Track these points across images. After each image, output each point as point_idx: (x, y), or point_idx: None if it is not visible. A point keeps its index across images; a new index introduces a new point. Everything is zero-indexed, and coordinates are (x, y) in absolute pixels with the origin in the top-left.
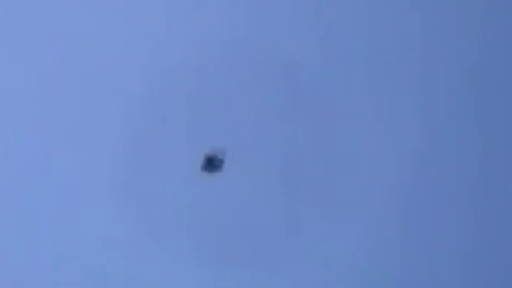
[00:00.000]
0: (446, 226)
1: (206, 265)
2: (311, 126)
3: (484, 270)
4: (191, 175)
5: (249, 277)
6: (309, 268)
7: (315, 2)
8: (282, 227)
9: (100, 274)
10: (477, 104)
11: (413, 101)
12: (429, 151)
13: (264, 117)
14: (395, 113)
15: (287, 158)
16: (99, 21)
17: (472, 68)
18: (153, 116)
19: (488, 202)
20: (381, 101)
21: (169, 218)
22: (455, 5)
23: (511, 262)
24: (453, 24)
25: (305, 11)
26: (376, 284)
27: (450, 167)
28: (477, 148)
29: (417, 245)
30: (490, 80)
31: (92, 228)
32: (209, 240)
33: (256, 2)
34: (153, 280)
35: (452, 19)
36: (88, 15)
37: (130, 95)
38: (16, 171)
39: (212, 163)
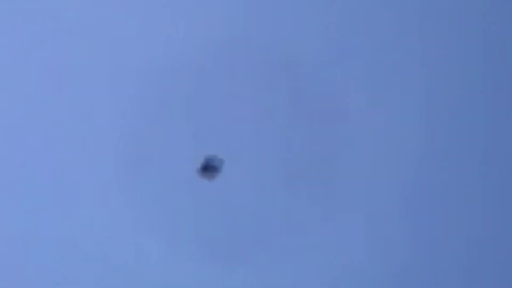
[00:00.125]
0: (447, 226)
1: (207, 262)
2: (311, 125)
3: (484, 269)
4: (192, 174)
5: (249, 275)
6: (309, 266)
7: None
8: (282, 225)
9: (101, 272)
10: (481, 102)
11: (414, 101)
12: (430, 150)
13: (264, 117)
14: (397, 113)
15: (287, 156)
16: (98, 19)
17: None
18: (153, 115)
19: (489, 202)
20: (382, 101)
21: (169, 216)
22: (457, 2)
23: (511, 262)
24: (453, 22)
25: (305, 10)
26: (376, 283)
27: (451, 166)
28: (478, 146)
29: (418, 244)
30: (492, 80)
31: (92, 226)
32: (211, 238)
33: (256, 2)
34: (155, 277)
35: (452, 18)
36: (88, 15)
37: (129, 95)
38: (14, 172)
39: (209, 167)
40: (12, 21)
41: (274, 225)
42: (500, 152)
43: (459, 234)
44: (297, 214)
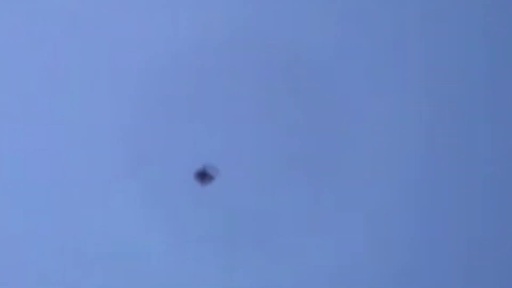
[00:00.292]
0: (447, 226)
1: (208, 260)
2: (311, 125)
3: (484, 269)
4: (192, 173)
5: (249, 276)
6: (309, 266)
7: (316, 1)
8: (282, 224)
9: (106, 263)
10: (483, 102)
11: (415, 101)
12: (431, 149)
13: (264, 117)
14: (398, 113)
15: (288, 156)
16: (98, 19)
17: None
18: (153, 115)
19: (489, 202)
20: (383, 101)
21: (170, 215)
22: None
23: (511, 262)
24: (453, 22)
25: (306, 10)
26: (376, 282)
27: (451, 166)
28: (479, 146)
29: (418, 244)
30: (493, 80)
31: (91, 226)
32: (211, 236)
33: (256, 2)
34: (156, 275)
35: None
36: (88, 15)
37: (129, 95)
38: (13, 172)
39: (205, 175)
40: (12, 21)
41: (274, 224)
42: (501, 152)
43: (459, 234)
44: (297, 214)
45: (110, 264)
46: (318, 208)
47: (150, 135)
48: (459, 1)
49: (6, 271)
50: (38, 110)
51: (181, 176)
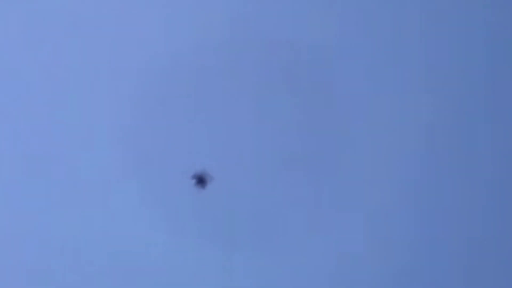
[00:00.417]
0: (447, 226)
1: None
2: (311, 125)
3: (484, 269)
4: (192, 172)
5: (248, 277)
6: (309, 265)
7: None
8: (282, 224)
9: (106, 263)
10: (483, 102)
11: (415, 101)
12: (431, 149)
13: (263, 117)
14: (397, 113)
15: (287, 155)
16: (98, 19)
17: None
18: (153, 114)
19: (489, 202)
20: (383, 101)
21: (170, 210)
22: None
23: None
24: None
25: (306, 10)
26: (376, 282)
27: (451, 165)
28: (479, 146)
29: (418, 243)
30: (493, 80)
31: (91, 225)
32: (211, 234)
33: (256, 2)
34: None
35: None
36: (88, 15)
37: (129, 95)
38: (14, 172)
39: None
40: (12, 21)
41: (274, 224)
42: (501, 151)
43: (459, 234)
44: (297, 214)
45: (110, 264)
46: (318, 208)
47: (150, 135)
48: (459, 1)
49: (6, 271)
50: (38, 110)
51: (181, 176)
